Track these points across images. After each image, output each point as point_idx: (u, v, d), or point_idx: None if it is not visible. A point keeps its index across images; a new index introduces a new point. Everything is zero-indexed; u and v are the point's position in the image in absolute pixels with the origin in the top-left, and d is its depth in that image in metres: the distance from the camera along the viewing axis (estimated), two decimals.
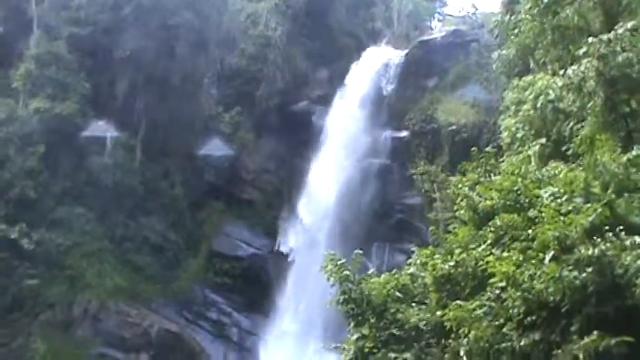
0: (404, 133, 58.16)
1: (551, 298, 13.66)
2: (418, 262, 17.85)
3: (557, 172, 17.17)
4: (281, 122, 60.81)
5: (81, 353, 51.59)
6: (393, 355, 16.60)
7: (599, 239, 13.70)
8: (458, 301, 15.13)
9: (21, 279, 51.81)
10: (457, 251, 16.38)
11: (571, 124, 21.04)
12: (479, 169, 20.63)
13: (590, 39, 18.91)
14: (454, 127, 54.92)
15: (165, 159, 58.77)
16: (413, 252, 18.82)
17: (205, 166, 60.09)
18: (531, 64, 26.67)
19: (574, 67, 19.44)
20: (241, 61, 64.20)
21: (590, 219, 14.18)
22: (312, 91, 63.75)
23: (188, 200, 59.04)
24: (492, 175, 19.15)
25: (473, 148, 22.57)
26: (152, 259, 56.30)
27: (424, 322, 16.66)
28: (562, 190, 15.56)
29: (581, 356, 13.04)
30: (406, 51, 62.56)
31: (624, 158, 16.04)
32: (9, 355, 50.34)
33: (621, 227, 13.99)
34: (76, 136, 56.35)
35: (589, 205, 14.60)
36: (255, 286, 55.89)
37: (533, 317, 13.99)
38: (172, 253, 57.08)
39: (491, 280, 14.57)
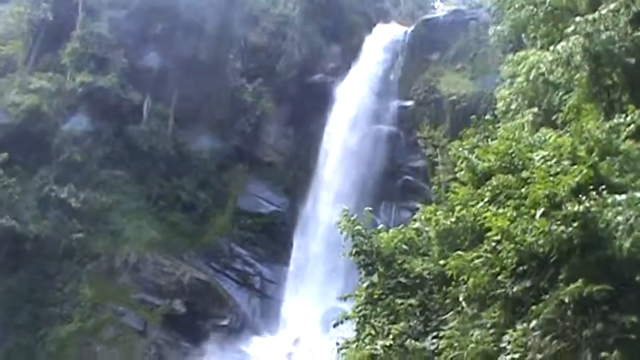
0: (409, 103, 57.92)
1: (541, 250, 13.72)
2: (422, 217, 17.92)
3: (547, 137, 17.13)
4: (298, 92, 60.59)
5: (123, 298, 52.08)
6: (399, 300, 16.74)
7: (584, 197, 13.72)
8: (458, 252, 15.22)
9: (70, 233, 52.47)
10: (457, 208, 16.43)
11: (560, 94, 20.97)
12: (477, 135, 20.59)
13: (577, 18, 18.82)
14: (455, 98, 54.65)
15: (195, 126, 58.80)
16: (418, 209, 18.88)
17: (231, 130, 60.17)
18: (524, 40, 26.49)
19: (563, 43, 19.36)
20: (262, 38, 63.93)
21: (576, 179, 14.19)
22: (327, 64, 63.39)
23: (215, 163, 59.21)
24: (489, 140, 19.11)
25: (472, 116, 22.52)
26: (184, 216, 56.63)
27: (427, 272, 16.76)
28: (551, 154, 15.52)
29: (566, 300, 13.09)
30: (411, 28, 62.11)
31: (607, 125, 16.02)
32: (63, 298, 51.28)
33: (604, 187, 13.99)
34: (116, 106, 56.58)
35: (575, 167, 14.60)
36: (275, 240, 56.10)
37: (525, 267, 14.08)
38: (202, 210, 57.34)
39: (488, 234, 14.64)
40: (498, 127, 22.11)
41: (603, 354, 12.51)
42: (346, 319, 18.47)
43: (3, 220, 49.89)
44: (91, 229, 53.29)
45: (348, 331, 18.94)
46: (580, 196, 13.87)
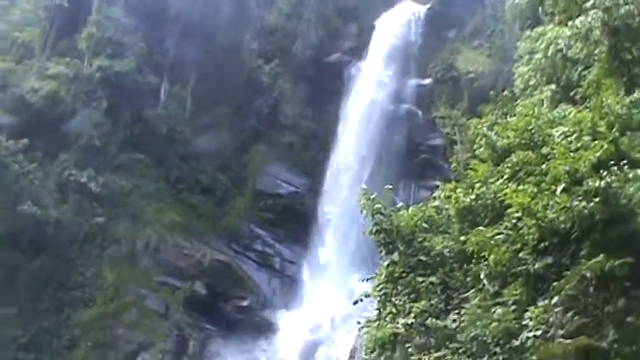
0: (427, 81, 57.77)
1: (562, 226, 13.65)
2: (442, 195, 17.84)
3: (566, 113, 17.01)
4: (315, 73, 60.52)
5: (144, 281, 52.42)
6: (420, 278, 16.70)
7: (605, 173, 13.61)
8: (479, 229, 15.17)
9: (91, 217, 52.86)
10: (477, 185, 16.35)
11: (579, 70, 20.76)
12: (496, 111, 20.48)
13: None
14: (472, 75, 54.46)
15: (212, 108, 58.86)
16: (437, 188, 18.81)
17: (248, 112, 60.17)
18: (541, 15, 26.20)
19: (581, 18, 19.17)
20: (279, 19, 63.77)
21: (597, 155, 14.10)
22: (344, 44, 63.20)
23: (234, 144, 59.25)
24: (508, 116, 18.99)
25: (491, 92, 22.38)
26: (203, 198, 56.84)
27: (448, 249, 16.68)
28: (571, 130, 15.42)
29: (588, 276, 13.04)
30: (428, 5, 61.69)
31: (627, 100, 15.85)
32: (85, 282, 51.71)
33: (625, 162, 13.89)
34: (134, 89, 56.71)
35: (596, 142, 14.49)
36: (295, 221, 56.17)
37: (546, 243, 14.00)
38: (221, 192, 57.52)
39: (509, 211, 14.57)
40: (517, 105, 21.96)
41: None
42: (366, 297, 18.46)
43: (24, 206, 50.21)
44: (112, 212, 53.61)
45: (370, 310, 18.98)
46: (601, 171, 13.76)
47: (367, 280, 18.82)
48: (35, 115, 54.15)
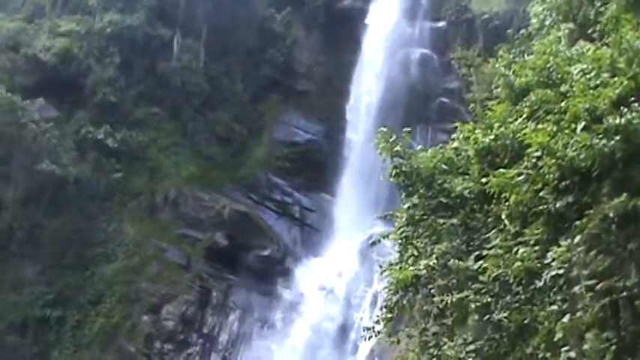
0: (441, 24, 57.13)
1: (583, 165, 13.50)
2: (461, 137, 17.72)
3: (585, 50, 16.73)
4: (328, 19, 59.94)
5: (164, 234, 52.89)
6: (441, 220, 16.69)
7: (625, 109, 13.41)
8: (499, 170, 15.10)
9: (109, 173, 53.32)
10: (496, 126, 16.20)
11: (596, 7, 20.40)
12: (513, 50, 20.24)
13: None
14: (487, 16, 53.73)
15: (226, 58, 58.63)
16: (454, 131, 18.67)
17: (262, 61, 59.85)
18: None
19: None
20: None
21: (616, 91, 13.88)
22: None
23: (249, 94, 59.07)
24: (525, 55, 18.74)
25: (508, 30, 22.09)
26: (220, 149, 56.91)
27: (468, 191, 16.59)
28: (590, 67, 15.16)
29: (610, 215, 12.96)
30: None
31: None
32: (106, 237, 52.36)
33: None
34: (146, 44, 56.52)
35: (615, 79, 14.25)
36: (312, 168, 56.16)
37: (567, 182, 13.88)
38: (238, 142, 57.51)
39: (528, 150, 14.43)
40: (533, 44, 21.68)
41: None
42: (384, 237, 18.52)
43: (43, 164, 50.61)
44: (130, 167, 53.98)
45: (390, 254, 19.07)
46: (621, 108, 13.54)
47: (386, 217, 18.84)
48: (49, 74, 54.26)
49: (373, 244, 18.71)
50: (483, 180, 15.56)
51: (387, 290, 18.02)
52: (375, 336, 18.98)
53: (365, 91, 56.00)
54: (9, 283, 51.17)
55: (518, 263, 14.00)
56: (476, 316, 15.28)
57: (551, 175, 13.99)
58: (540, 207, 14.23)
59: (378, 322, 18.31)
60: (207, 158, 56.08)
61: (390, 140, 17.21)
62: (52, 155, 51.55)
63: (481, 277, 15.06)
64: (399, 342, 20.08)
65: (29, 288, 50.93)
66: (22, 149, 51.37)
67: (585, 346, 12.82)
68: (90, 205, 53.01)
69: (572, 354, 12.90)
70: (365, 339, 19.69)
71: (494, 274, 14.59)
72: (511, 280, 14.43)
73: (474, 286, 15.35)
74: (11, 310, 50.40)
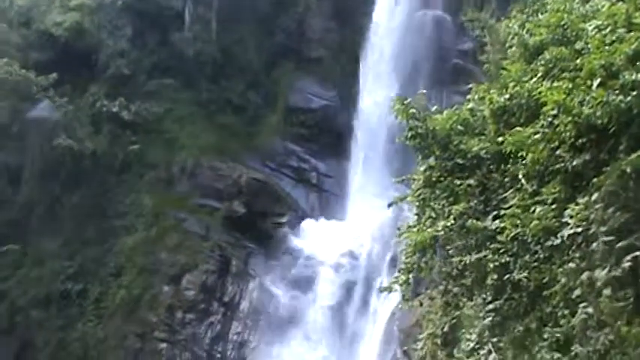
0: None
1: (599, 121, 13.38)
2: (476, 97, 17.68)
3: (600, 6, 16.56)
4: None
5: (183, 205, 53.21)
6: (458, 181, 16.66)
7: None
8: (516, 129, 15.06)
9: (125, 146, 53.53)
10: (511, 85, 16.08)
11: None
12: (526, 10, 20.07)
13: None
14: None
15: (238, 27, 58.31)
16: (468, 92, 18.61)
17: (275, 29, 59.58)
18: None
19: None
20: None
21: (632, 47, 13.67)
22: None
23: (262, 62, 58.81)
24: (539, 14, 18.59)
25: None
26: (235, 118, 56.86)
27: (485, 151, 16.53)
28: (605, 23, 14.98)
29: (628, 171, 12.91)
30: None
31: None
32: (125, 210, 52.89)
33: None
34: (158, 15, 56.39)
35: (631, 34, 14.08)
36: (328, 134, 56.10)
37: (584, 139, 13.81)
38: (253, 110, 57.42)
39: (544, 109, 14.34)
40: (546, 3, 21.50)
41: None
42: (401, 200, 18.58)
43: (60, 139, 50.97)
44: (146, 139, 54.13)
45: (408, 217, 19.14)
46: (637, 64, 13.40)
47: (403, 180, 18.91)
48: (61, 48, 54.37)
49: (390, 205, 18.79)
50: (499, 140, 15.52)
51: (405, 252, 18.11)
52: (388, 293, 19.01)
53: (378, 55, 55.73)
54: (30, 258, 51.84)
55: (536, 222, 13.99)
56: (495, 276, 15.32)
57: (568, 133, 13.92)
58: (557, 165, 14.18)
59: (396, 283, 18.43)
60: (222, 128, 56.07)
61: (405, 103, 17.17)
62: (68, 130, 51.87)
63: (499, 237, 15.07)
64: (421, 304, 20.25)
65: (50, 263, 51.54)
66: (38, 125, 51.68)
67: (603, 303, 12.87)
68: (108, 178, 53.41)
69: (590, 310, 12.95)
70: (384, 303, 19.89)
71: (513, 234, 14.59)
72: (529, 240, 14.43)
73: (492, 246, 15.37)
74: (34, 285, 51.13)
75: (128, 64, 55.40)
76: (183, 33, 57.27)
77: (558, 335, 13.88)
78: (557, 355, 13.72)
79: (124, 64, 55.16)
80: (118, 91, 54.58)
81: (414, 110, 17.12)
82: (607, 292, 12.86)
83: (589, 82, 13.89)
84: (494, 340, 15.57)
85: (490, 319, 15.50)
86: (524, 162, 14.79)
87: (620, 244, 12.74)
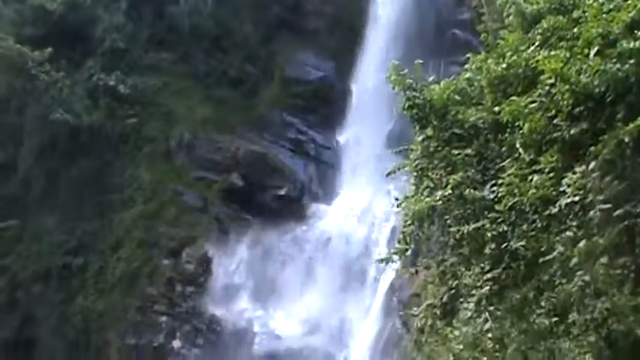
0: None
1: (597, 90, 13.40)
2: (473, 67, 17.63)
3: None
4: None
5: (181, 178, 53.29)
6: (455, 151, 16.63)
7: (639, 33, 13.29)
8: (512, 98, 15.06)
9: (123, 119, 53.49)
10: (508, 54, 16.02)
11: None
12: None
13: None
14: None
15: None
16: (466, 63, 18.55)
17: (271, 1, 59.21)
18: None
19: None
20: None
21: (630, 15, 13.65)
22: None
23: (259, 35, 58.39)
24: None
25: None
26: (233, 91, 56.63)
27: (482, 121, 16.51)
28: None
29: (625, 140, 12.94)
30: None
31: None
32: (123, 184, 52.90)
33: None
34: None
35: (629, 2, 14.01)
36: (326, 105, 56.02)
37: (581, 108, 13.79)
38: (250, 83, 57.15)
39: (541, 78, 14.32)
40: None
41: None
42: (399, 169, 18.60)
43: (57, 114, 50.90)
44: (143, 113, 54.07)
45: (406, 187, 19.16)
46: (635, 32, 13.38)
47: (401, 151, 18.92)
48: (56, 23, 54.11)
49: (388, 174, 18.81)
50: (497, 109, 15.50)
51: (403, 222, 18.15)
52: (387, 264, 19.07)
53: (375, 26, 55.49)
54: (30, 233, 52.03)
55: (534, 191, 14.01)
56: (492, 245, 15.38)
57: (565, 102, 13.90)
58: (554, 134, 14.16)
59: (394, 253, 18.49)
60: (220, 100, 55.91)
61: (402, 73, 17.14)
62: (65, 104, 51.75)
63: (497, 206, 15.11)
64: (417, 273, 20.32)
65: (50, 237, 51.72)
66: (35, 100, 51.59)
67: (600, 271, 12.96)
68: (105, 152, 53.37)
69: (587, 278, 13.04)
70: (383, 272, 19.98)
71: (510, 203, 14.62)
72: (527, 209, 14.47)
73: (490, 216, 15.41)
74: (34, 260, 51.39)
75: (124, 38, 55.16)
76: (179, 6, 56.84)
77: (555, 303, 14.00)
78: (554, 321, 13.87)
79: (119, 37, 54.92)
80: (114, 65, 54.40)
81: (410, 81, 17.08)
82: (604, 260, 12.96)
83: (586, 51, 13.87)
84: (492, 308, 15.69)
85: (488, 288, 15.57)
86: (521, 131, 14.76)
87: (616, 213, 12.81)
